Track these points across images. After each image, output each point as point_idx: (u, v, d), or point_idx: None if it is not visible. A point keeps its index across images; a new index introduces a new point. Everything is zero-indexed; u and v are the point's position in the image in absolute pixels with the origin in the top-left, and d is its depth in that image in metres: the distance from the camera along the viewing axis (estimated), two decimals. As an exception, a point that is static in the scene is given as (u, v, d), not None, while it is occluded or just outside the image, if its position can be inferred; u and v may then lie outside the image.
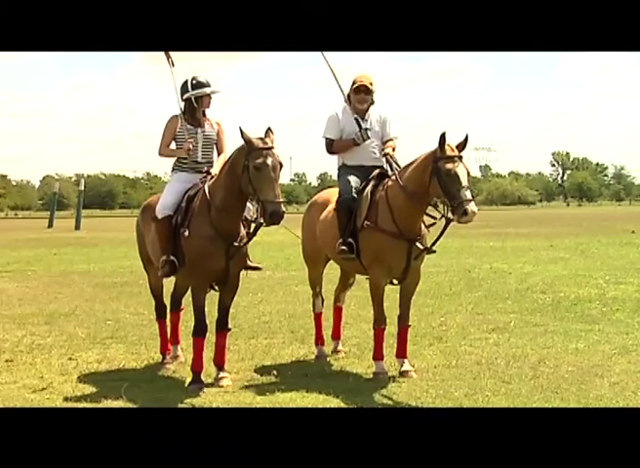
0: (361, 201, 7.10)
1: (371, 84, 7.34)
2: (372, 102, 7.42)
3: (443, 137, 6.56)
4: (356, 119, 7.29)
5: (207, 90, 7.14)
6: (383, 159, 7.29)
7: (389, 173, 7.19)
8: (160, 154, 7.27)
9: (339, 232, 7.12)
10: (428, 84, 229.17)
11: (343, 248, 7.02)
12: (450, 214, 6.59)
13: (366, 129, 7.27)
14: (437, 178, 6.54)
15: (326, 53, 7.31)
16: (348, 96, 7.43)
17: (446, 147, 6.56)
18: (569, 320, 9.57)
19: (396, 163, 7.18)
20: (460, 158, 6.58)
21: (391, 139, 7.44)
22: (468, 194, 6.43)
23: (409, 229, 6.88)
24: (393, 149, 7.37)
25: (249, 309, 10.70)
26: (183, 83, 7.18)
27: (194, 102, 7.12)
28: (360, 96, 7.34)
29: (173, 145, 7.25)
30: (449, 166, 6.49)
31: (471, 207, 6.39)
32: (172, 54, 7.38)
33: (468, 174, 6.57)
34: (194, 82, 7.14)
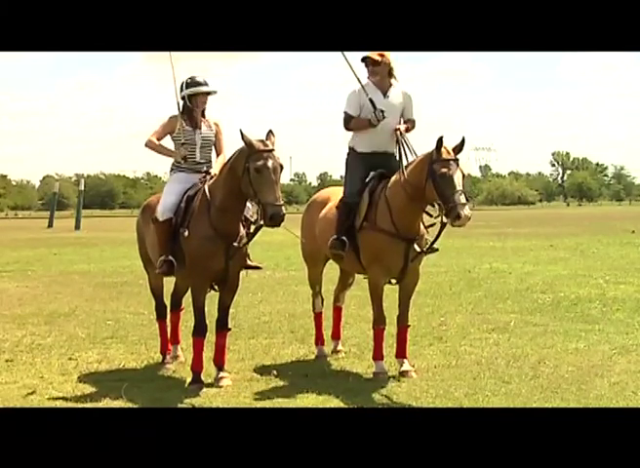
0: (361, 200, 7.09)
1: (381, 55, 7.16)
2: (392, 75, 7.26)
3: (440, 141, 6.55)
4: (370, 100, 7.10)
5: (201, 88, 7.12)
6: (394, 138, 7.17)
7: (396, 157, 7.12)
8: (146, 145, 7.18)
9: (335, 229, 7.11)
10: (428, 84, 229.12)
11: (337, 245, 7.01)
12: (444, 218, 6.59)
13: (381, 110, 7.07)
14: (432, 181, 6.53)
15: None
16: None
17: (442, 150, 6.55)
18: (569, 320, 9.57)
19: (407, 142, 7.08)
20: (456, 161, 6.56)
21: (411, 121, 7.34)
22: (462, 198, 6.41)
23: (407, 229, 6.88)
24: (407, 129, 7.24)
25: (249, 309, 10.70)
26: (182, 83, 7.18)
27: (188, 101, 7.11)
28: (369, 68, 7.25)
29: (167, 144, 7.24)
30: (444, 169, 6.48)
31: (464, 211, 6.37)
32: (173, 54, 7.38)
33: (464, 177, 6.55)
34: (189, 81, 7.13)
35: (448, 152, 6.56)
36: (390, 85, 7.29)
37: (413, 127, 7.35)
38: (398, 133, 7.14)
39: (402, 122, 7.28)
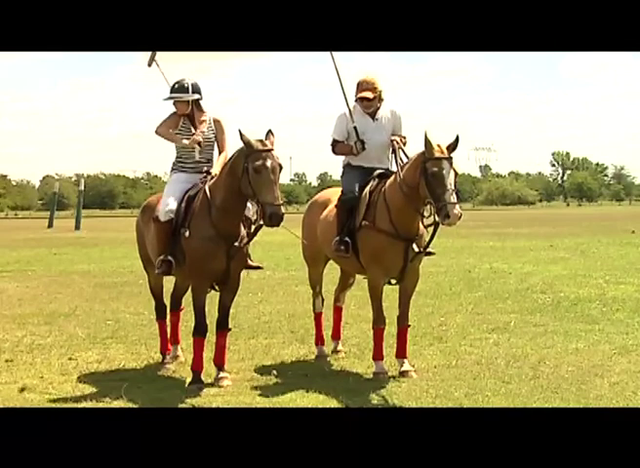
0: (360, 200, 7.10)
1: (374, 89, 7.24)
2: (381, 99, 7.33)
3: (426, 137, 6.52)
4: (355, 128, 7.24)
5: (182, 96, 7.08)
6: (390, 146, 7.22)
7: (393, 166, 7.15)
8: (156, 132, 7.18)
9: (337, 230, 7.12)
10: (428, 84, 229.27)
11: (341, 246, 7.02)
12: (436, 217, 6.59)
13: (362, 141, 7.20)
14: (424, 179, 6.51)
15: (328, 53, 7.29)
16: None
17: (436, 148, 6.51)
18: (569, 320, 9.57)
19: (403, 151, 7.10)
20: (449, 159, 6.53)
21: (401, 136, 7.37)
22: (453, 197, 6.38)
23: (406, 229, 6.87)
24: (402, 140, 7.28)
25: (249, 309, 10.70)
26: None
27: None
28: (363, 103, 7.30)
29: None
30: (435, 168, 6.45)
31: (454, 210, 6.35)
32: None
33: (456, 175, 6.52)
34: (176, 86, 7.13)
35: (441, 150, 6.53)
36: (378, 107, 7.36)
37: (405, 142, 7.39)
38: (395, 142, 7.18)
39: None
